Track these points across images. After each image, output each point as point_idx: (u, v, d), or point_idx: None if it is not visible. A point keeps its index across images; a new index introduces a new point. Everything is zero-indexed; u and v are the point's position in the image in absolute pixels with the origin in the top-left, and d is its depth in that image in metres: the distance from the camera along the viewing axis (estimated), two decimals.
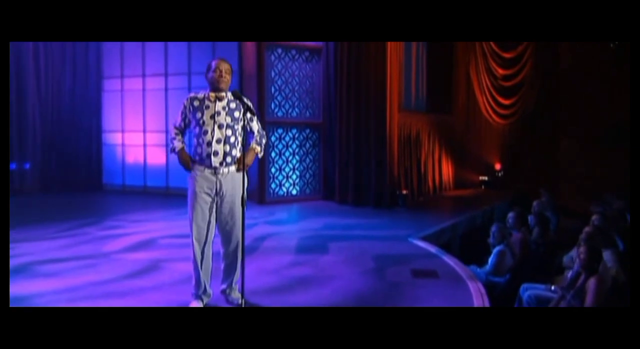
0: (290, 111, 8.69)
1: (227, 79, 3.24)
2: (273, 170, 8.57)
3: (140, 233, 5.95)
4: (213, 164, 3.20)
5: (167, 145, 3.41)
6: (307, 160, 8.97)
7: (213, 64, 3.28)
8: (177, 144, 3.32)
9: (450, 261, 4.81)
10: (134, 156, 9.88)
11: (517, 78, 12.41)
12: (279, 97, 8.53)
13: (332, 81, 8.66)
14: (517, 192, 10.67)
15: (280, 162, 8.62)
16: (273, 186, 8.52)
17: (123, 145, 9.91)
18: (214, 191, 3.24)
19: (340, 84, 8.47)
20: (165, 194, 9.37)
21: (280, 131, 8.59)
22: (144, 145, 9.73)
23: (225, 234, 3.32)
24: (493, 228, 5.29)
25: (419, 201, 9.24)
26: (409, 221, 7.21)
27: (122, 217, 7.00)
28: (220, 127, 3.22)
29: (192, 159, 3.28)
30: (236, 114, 3.25)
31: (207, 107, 3.23)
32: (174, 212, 7.46)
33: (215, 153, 3.21)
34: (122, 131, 9.89)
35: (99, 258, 4.79)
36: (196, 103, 3.25)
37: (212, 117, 3.21)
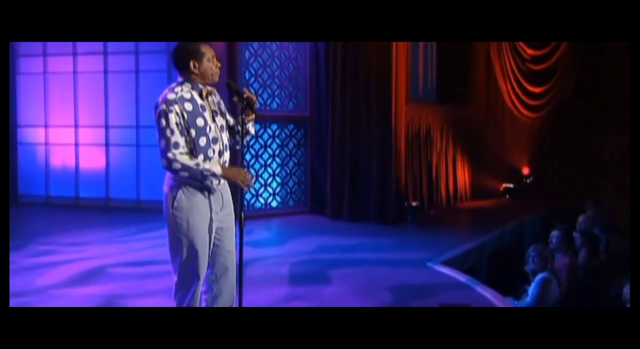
0: (269, 101, 8.81)
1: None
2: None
3: (82, 261, 5.97)
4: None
5: (187, 177, 3.24)
6: (291, 164, 9.10)
7: (203, 49, 3.23)
8: (212, 167, 3.15)
9: (486, 292, 5.00)
10: (61, 159, 9.82)
11: (551, 60, 12.76)
12: (255, 85, 8.62)
13: (323, 65, 8.81)
14: (551, 204, 10.99)
15: (256, 166, 8.72)
16: (247, 196, 8.62)
17: (47, 144, 9.85)
18: (219, 210, 3.32)
19: (333, 68, 8.62)
20: (104, 208, 9.37)
21: (256, 126, 8.69)
22: (76, 144, 9.69)
23: (222, 260, 3.40)
24: (531, 251, 5.51)
25: (430, 214, 9.47)
26: (423, 240, 7.40)
27: (52, 240, 6.99)
28: (222, 129, 3.30)
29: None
30: (222, 107, 3.38)
31: (203, 108, 3.23)
32: (121, 231, 7.48)
33: (224, 164, 3.30)
34: (46, 126, 9.84)
35: (33, 295, 4.79)
36: (188, 106, 3.16)
37: (213, 119, 3.26)
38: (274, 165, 8.94)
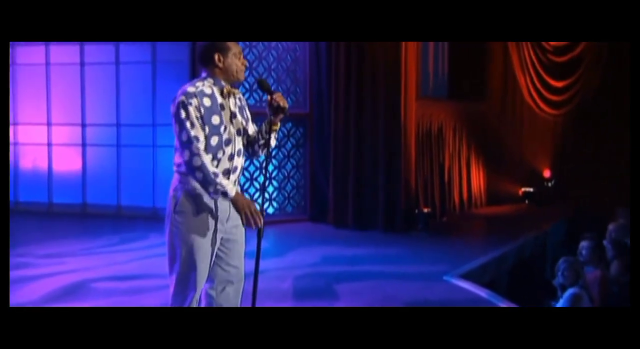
0: (264, 97, 8.81)
1: None
2: (241, 180, 8.68)
3: (61, 275, 5.96)
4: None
5: (199, 179, 3.29)
6: (289, 166, 9.15)
7: (230, 44, 3.33)
8: (228, 186, 3.20)
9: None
10: (32, 161, 9.83)
11: (575, 51, 12.85)
12: (249, 78, 8.68)
13: (324, 57, 8.87)
14: (576, 210, 11.07)
15: (251, 168, 8.77)
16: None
17: (15, 144, 9.85)
18: (225, 220, 3.35)
19: (336, 61, 8.68)
20: (81, 215, 9.38)
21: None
22: (49, 144, 9.70)
23: (225, 274, 3.43)
24: (561, 263, 5.55)
25: (442, 222, 9.54)
26: (436, 251, 7.47)
27: (25, 251, 6.97)
28: (239, 133, 3.35)
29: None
30: (244, 113, 3.43)
31: (222, 106, 3.30)
32: (102, 241, 7.50)
33: (235, 169, 3.35)
34: (14, 124, 9.83)
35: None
36: (207, 101, 3.24)
37: (231, 120, 3.32)
38: (270, 167, 8.98)
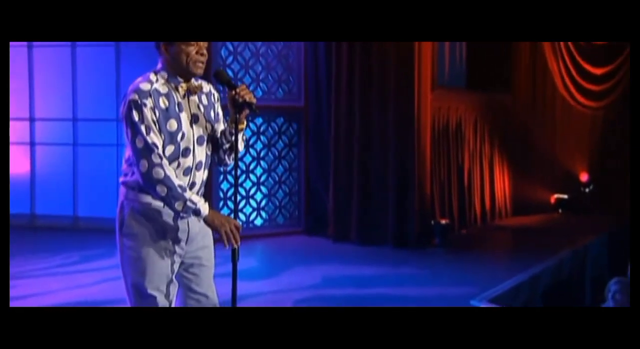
0: (252, 87, 8.89)
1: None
2: (224, 186, 8.72)
3: (14, 301, 5.96)
4: None
5: (162, 195, 3.23)
6: (280, 169, 9.18)
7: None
8: (199, 202, 3.16)
9: None
10: None
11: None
12: (234, 66, 8.72)
13: (323, 42, 8.85)
14: (619, 220, 11.11)
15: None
16: (225, 211, 8.67)
17: None
18: (185, 242, 3.31)
19: (337, 45, 8.70)
20: (29, 228, 9.37)
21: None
22: None
23: (195, 305, 3.39)
24: (612, 285, 5.59)
25: (462, 235, 9.59)
26: (458, 270, 7.52)
27: None
28: (200, 141, 3.27)
29: (134, 189, 3.22)
30: (211, 114, 3.35)
31: (180, 107, 3.22)
32: (58, 259, 7.49)
33: (192, 185, 3.28)
34: None
35: None
36: (163, 102, 3.17)
37: (191, 124, 3.23)
38: (259, 171, 9.00)
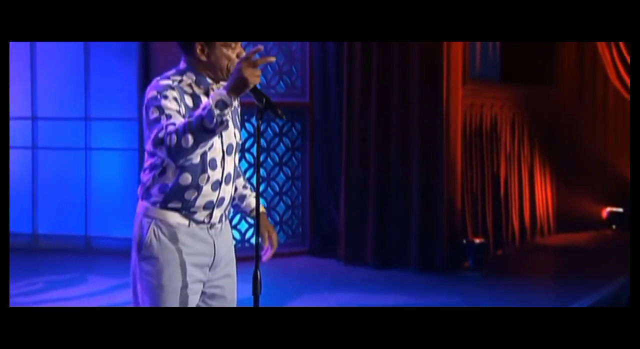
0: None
1: None
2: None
3: None
4: (212, 219, 3.41)
5: (193, 130, 3.02)
6: (281, 177, 9.23)
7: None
8: (215, 93, 3.10)
9: None
10: None
11: None
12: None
13: None
14: None
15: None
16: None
17: None
18: (209, 268, 3.44)
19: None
20: (33, 249, 9.42)
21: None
22: None
23: None
24: None
25: (498, 256, 9.61)
26: (497, 298, 7.49)
27: None
28: (229, 151, 3.41)
29: (161, 206, 3.32)
30: (237, 120, 3.51)
31: None
32: (20, 287, 7.49)
33: (221, 202, 3.42)
34: None
35: None
36: (189, 100, 3.30)
37: (220, 133, 3.30)
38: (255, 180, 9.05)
